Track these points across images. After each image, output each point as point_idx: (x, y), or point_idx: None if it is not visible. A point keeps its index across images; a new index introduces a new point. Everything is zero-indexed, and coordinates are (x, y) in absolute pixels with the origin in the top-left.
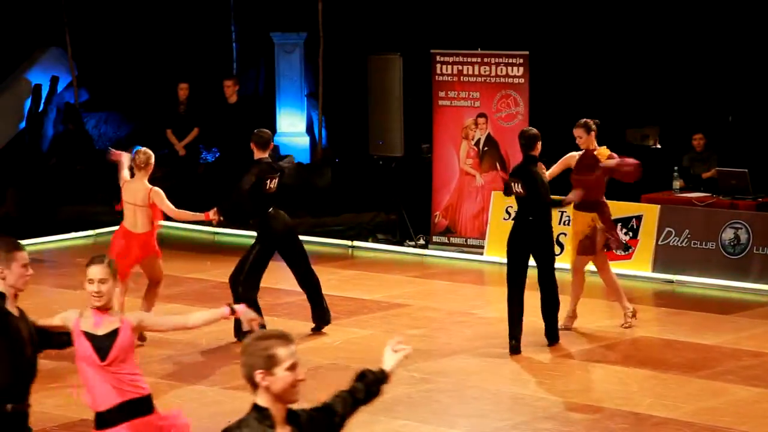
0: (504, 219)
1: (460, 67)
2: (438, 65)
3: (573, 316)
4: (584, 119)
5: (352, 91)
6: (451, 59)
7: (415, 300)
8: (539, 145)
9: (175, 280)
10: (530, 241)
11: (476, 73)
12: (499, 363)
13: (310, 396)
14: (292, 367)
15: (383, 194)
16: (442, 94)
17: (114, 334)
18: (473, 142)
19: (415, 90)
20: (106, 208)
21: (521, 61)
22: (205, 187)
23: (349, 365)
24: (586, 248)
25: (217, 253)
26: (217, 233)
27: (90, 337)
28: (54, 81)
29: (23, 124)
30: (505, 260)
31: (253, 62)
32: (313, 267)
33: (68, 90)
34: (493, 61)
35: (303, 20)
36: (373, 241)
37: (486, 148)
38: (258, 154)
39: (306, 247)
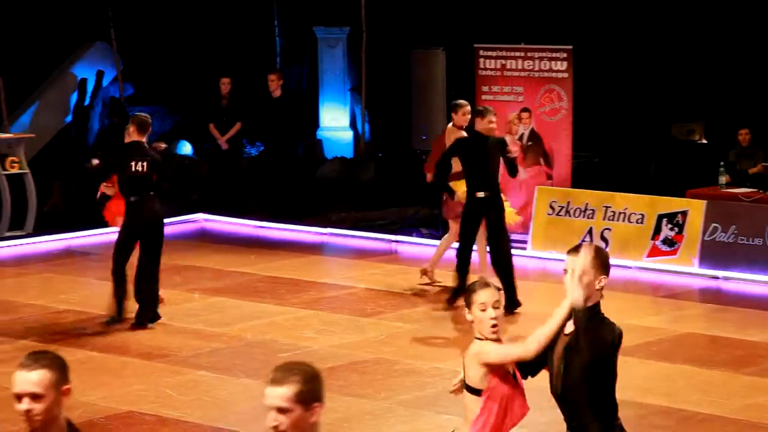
0: (548, 214)
1: (503, 62)
2: (481, 60)
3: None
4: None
5: (395, 85)
6: (494, 54)
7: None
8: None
9: (219, 273)
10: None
11: (520, 67)
12: None
13: (354, 390)
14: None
15: (426, 188)
16: (485, 88)
17: None
18: (516, 137)
19: (458, 84)
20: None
21: (565, 55)
22: (248, 181)
23: (394, 359)
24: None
25: (261, 247)
26: (262, 227)
27: None
28: (99, 75)
29: (69, 118)
30: (549, 255)
31: (296, 57)
32: (357, 261)
33: (113, 84)
34: (536, 56)
35: (346, 15)
36: (417, 236)
37: (530, 143)
38: (134, 137)
39: (349, 241)
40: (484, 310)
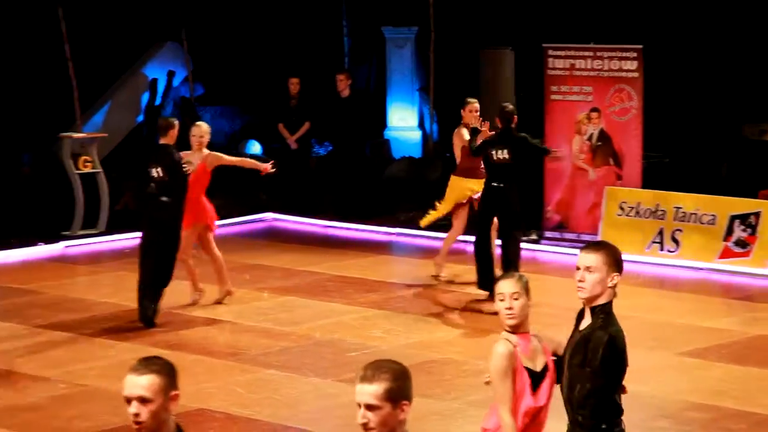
0: (618, 215)
1: (572, 61)
2: (550, 59)
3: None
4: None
5: (463, 85)
6: (563, 53)
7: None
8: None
9: (288, 272)
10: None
11: (589, 67)
12: None
13: (422, 390)
14: None
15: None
16: (554, 88)
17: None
18: (586, 137)
19: (526, 84)
20: (221, 201)
21: (635, 54)
22: (317, 180)
23: (462, 360)
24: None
25: (329, 246)
26: (330, 226)
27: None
28: (170, 75)
29: (141, 118)
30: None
31: (364, 57)
32: (425, 261)
33: (184, 84)
34: (606, 55)
35: (414, 15)
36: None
37: (599, 143)
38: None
39: (417, 241)
40: (502, 300)
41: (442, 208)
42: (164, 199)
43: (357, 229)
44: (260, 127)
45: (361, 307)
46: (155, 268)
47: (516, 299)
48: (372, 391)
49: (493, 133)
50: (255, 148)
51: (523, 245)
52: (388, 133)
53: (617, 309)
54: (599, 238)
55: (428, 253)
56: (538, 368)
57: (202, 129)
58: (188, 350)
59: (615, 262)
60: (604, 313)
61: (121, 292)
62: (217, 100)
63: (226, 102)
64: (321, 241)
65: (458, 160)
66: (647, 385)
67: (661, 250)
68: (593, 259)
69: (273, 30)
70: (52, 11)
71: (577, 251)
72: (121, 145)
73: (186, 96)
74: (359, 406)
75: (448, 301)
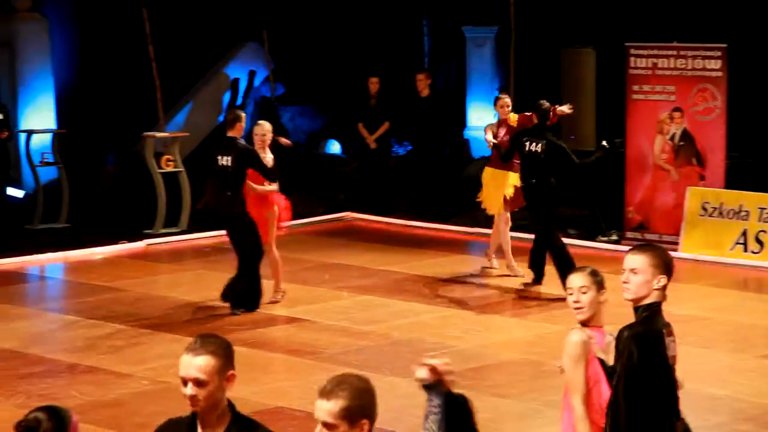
0: (700, 215)
1: (655, 60)
2: (632, 58)
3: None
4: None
5: (544, 84)
6: (645, 52)
7: (609, 296)
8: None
9: (367, 271)
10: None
11: (672, 66)
12: (697, 362)
13: (501, 390)
14: None
15: (575, 189)
16: (636, 87)
17: None
18: (668, 137)
19: (608, 83)
20: (298, 199)
21: (719, 54)
22: (396, 180)
23: (541, 360)
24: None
25: (408, 245)
26: (409, 226)
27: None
28: (251, 75)
29: (222, 117)
30: (701, 257)
31: (444, 56)
32: (503, 260)
33: (265, 84)
34: (689, 54)
35: (495, 14)
36: (565, 236)
37: (681, 143)
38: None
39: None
40: (571, 294)
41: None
42: (228, 193)
43: (436, 229)
44: (340, 127)
45: (439, 306)
46: (241, 259)
47: (584, 293)
48: (328, 408)
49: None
50: (334, 147)
51: (607, 246)
52: (468, 133)
53: (699, 310)
54: (681, 239)
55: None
56: (612, 362)
57: (264, 128)
58: (268, 348)
59: (662, 264)
60: (646, 312)
61: (202, 290)
62: (297, 99)
63: (306, 101)
64: (400, 241)
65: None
66: (728, 387)
67: (745, 251)
68: (638, 260)
69: (353, 30)
70: (136, 12)
71: None
72: (202, 145)
73: (267, 95)
74: (318, 422)
75: (527, 301)
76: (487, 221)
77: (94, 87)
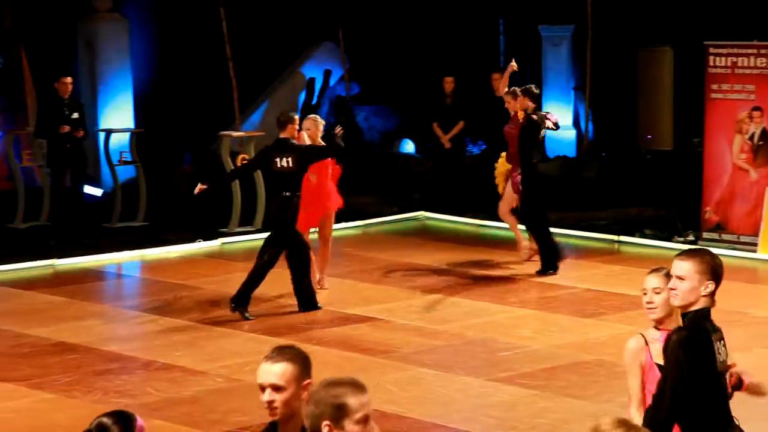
0: None
1: (734, 59)
2: (711, 57)
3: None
4: (513, 88)
5: (620, 84)
6: (725, 51)
7: None
8: None
9: (441, 271)
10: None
11: (752, 65)
12: None
13: (575, 391)
14: (363, 421)
15: (651, 189)
16: (714, 86)
17: None
18: (747, 136)
19: (685, 83)
20: (372, 198)
21: None
22: (470, 179)
23: (616, 361)
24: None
25: (481, 245)
26: (483, 225)
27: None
28: (327, 74)
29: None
30: None
31: (520, 56)
32: (578, 261)
33: (340, 83)
34: None
35: (571, 13)
36: (640, 237)
37: (761, 143)
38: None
39: (571, 241)
40: (645, 294)
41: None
42: (286, 194)
43: (509, 228)
44: (414, 126)
45: (512, 306)
46: (292, 266)
47: (658, 293)
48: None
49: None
50: (409, 146)
51: (684, 247)
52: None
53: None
54: (760, 240)
55: (580, 253)
56: None
57: (317, 122)
58: (341, 347)
59: (709, 270)
60: (695, 318)
61: (276, 289)
62: (372, 99)
63: (381, 101)
64: (473, 240)
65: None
66: None
67: None
68: (684, 267)
69: (429, 29)
70: (214, 12)
71: (736, 252)
72: None
73: (342, 95)
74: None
75: (601, 302)
76: (560, 221)
77: (172, 86)
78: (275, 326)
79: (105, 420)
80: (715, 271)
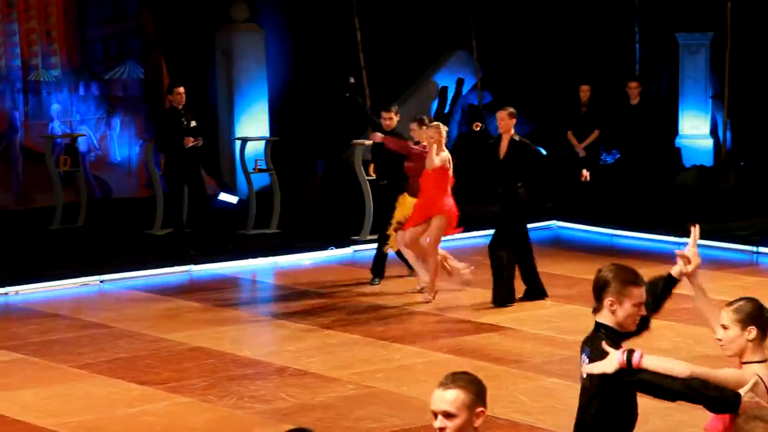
0: None
1: None
2: None
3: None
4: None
5: (760, 92)
6: None
7: None
8: None
9: (572, 281)
10: None
11: None
12: None
13: None
14: (638, 305)
15: None
16: None
17: None
18: None
19: None
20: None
21: None
22: (604, 188)
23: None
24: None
25: (614, 255)
26: (616, 235)
27: None
28: (459, 83)
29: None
30: None
31: (656, 63)
32: (714, 272)
33: (473, 92)
34: None
35: (710, 19)
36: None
37: None
38: None
39: (707, 252)
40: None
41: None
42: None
43: (644, 238)
44: (547, 134)
45: None
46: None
47: (726, 329)
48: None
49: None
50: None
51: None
52: (679, 141)
53: None
54: None
55: (717, 264)
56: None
57: (441, 130)
58: (472, 356)
59: (746, 318)
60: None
61: (408, 296)
62: (504, 107)
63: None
64: (606, 250)
65: None
66: None
67: None
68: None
69: (564, 37)
70: (348, 22)
71: None
72: None
73: (474, 103)
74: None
75: None
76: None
77: (306, 95)
78: (405, 335)
79: None
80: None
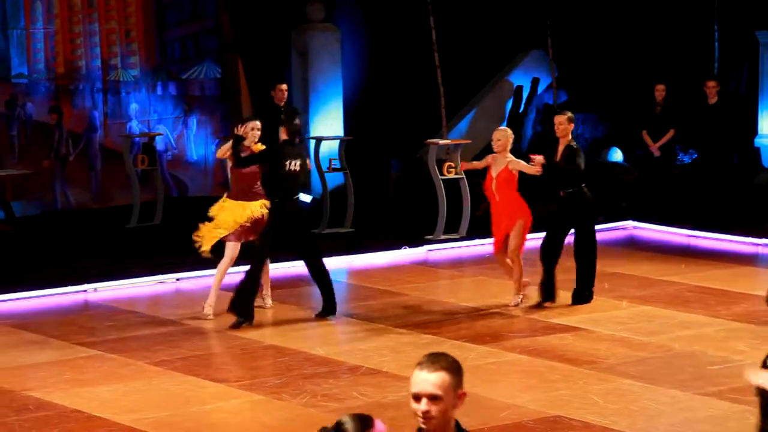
0: None
1: None
2: None
3: None
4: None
5: None
6: None
7: None
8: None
9: (647, 282)
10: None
11: None
12: None
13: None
14: None
15: None
16: None
17: None
18: None
19: None
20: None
21: None
22: (680, 188)
23: None
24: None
25: (690, 256)
26: (692, 236)
27: None
28: (534, 83)
29: (504, 125)
30: None
31: (735, 62)
32: None
33: (548, 91)
34: None
35: None
36: None
37: None
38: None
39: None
40: None
41: None
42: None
43: (721, 239)
44: (622, 134)
45: (723, 319)
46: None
47: None
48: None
49: None
50: (617, 155)
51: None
52: (759, 141)
53: None
54: None
55: None
56: None
57: (507, 133)
58: (545, 356)
59: None
60: None
61: (481, 296)
62: (580, 107)
63: (588, 109)
64: (682, 251)
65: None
66: None
67: None
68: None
69: (640, 36)
70: (424, 21)
71: None
72: (483, 152)
73: (549, 103)
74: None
75: None
76: None
77: (381, 94)
78: (478, 335)
79: (343, 419)
80: None
